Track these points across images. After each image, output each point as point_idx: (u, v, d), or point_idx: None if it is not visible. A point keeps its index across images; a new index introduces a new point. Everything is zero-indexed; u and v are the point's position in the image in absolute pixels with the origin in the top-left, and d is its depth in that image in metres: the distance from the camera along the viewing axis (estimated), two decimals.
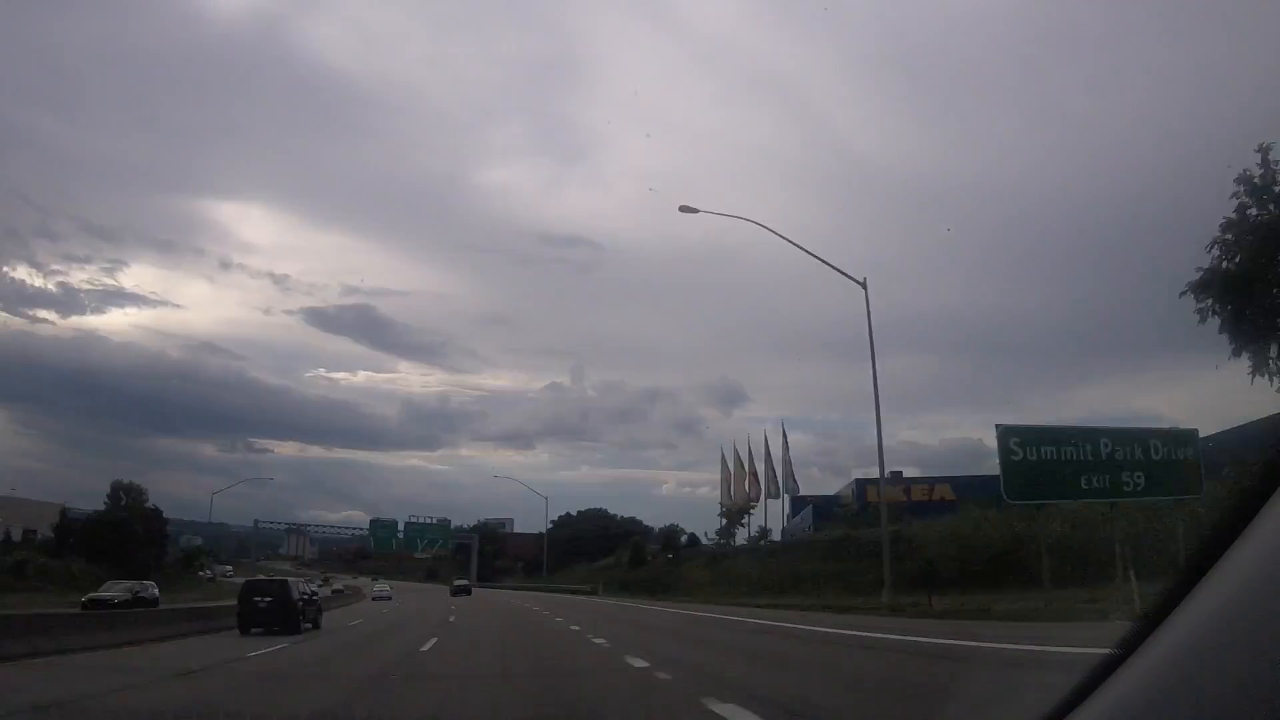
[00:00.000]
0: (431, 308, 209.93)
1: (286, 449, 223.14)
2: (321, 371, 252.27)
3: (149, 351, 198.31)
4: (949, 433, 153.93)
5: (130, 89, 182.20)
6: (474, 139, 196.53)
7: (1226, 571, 1.44)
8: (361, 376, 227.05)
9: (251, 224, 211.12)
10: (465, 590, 69.79)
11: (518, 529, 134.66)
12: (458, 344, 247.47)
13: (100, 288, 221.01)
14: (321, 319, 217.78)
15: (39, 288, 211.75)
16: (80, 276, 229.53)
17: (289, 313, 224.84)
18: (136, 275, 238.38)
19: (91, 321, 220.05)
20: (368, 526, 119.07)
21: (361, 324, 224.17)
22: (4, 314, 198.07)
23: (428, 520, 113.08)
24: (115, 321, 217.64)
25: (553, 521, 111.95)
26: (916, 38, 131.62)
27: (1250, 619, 1.36)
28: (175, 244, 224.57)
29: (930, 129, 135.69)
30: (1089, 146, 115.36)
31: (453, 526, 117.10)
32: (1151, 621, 1.53)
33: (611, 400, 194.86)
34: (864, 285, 30.61)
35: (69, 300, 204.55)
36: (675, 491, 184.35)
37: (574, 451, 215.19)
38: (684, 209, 32.51)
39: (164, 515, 71.97)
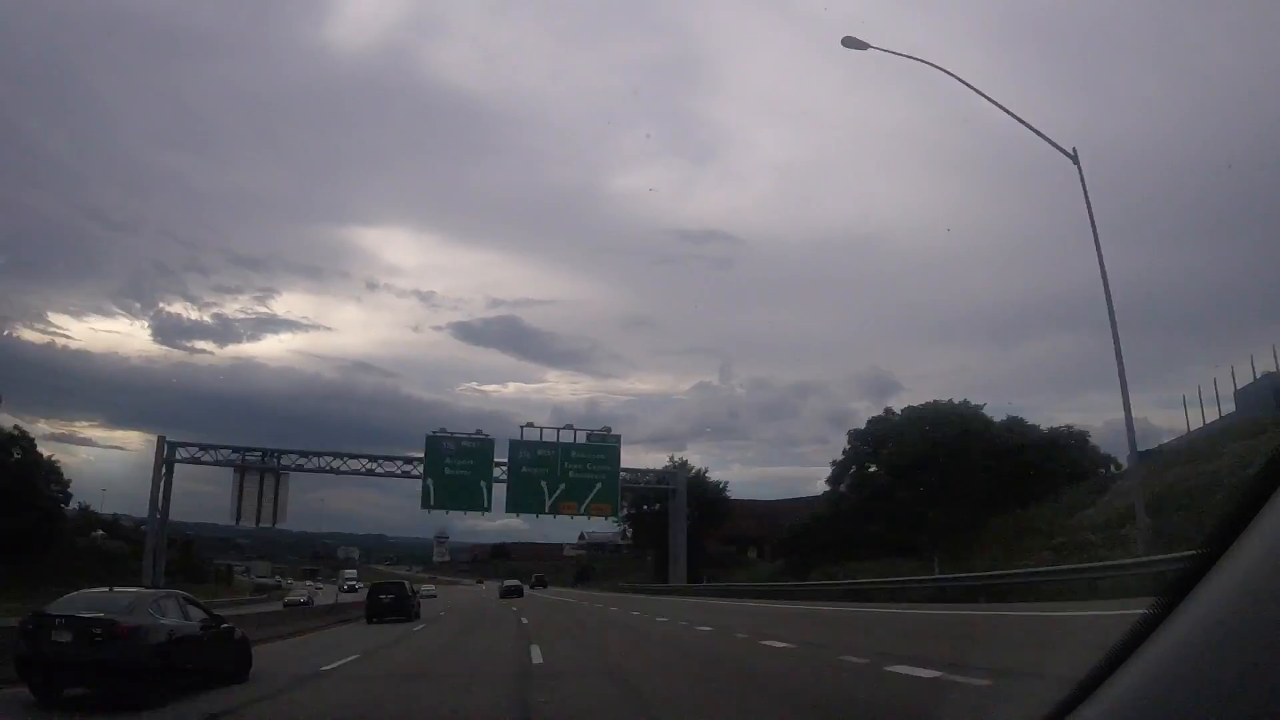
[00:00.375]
0: (575, 315, 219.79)
1: None
2: (472, 385, 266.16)
3: (305, 374, 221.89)
4: (1111, 414, 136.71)
5: (266, 127, 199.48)
6: (604, 146, 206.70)
7: (1228, 570, 1.43)
8: (511, 387, 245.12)
9: (395, 247, 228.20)
10: (516, 591, 60.00)
11: None
12: (603, 349, 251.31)
13: (253, 316, 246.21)
14: (468, 333, 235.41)
15: (195, 320, 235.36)
16: (233, 306, 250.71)
17: (437, 329, 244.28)
18: (287, 302, 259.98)
19: (248, 349, 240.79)
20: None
21: (508, 335, 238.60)
22: (165, 347, 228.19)
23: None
24: (271, 348, 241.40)
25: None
26: (1045, 1, 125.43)
27: (1252, 617, 1.34)
28: (322, 269, 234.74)
29: (1065, 95, 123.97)
30: (1236, 100, 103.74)
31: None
32: (1154, 620, 1.51)
33: (760, 397, 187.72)
34: (1074, 157, 23.14)
35: (225, 330, 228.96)
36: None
37: (723, 451, 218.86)
38: (848, 42, 23.64)
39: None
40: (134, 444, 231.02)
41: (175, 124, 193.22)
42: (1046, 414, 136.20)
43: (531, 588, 77.84)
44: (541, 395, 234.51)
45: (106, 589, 12.42)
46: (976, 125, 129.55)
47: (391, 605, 31.84)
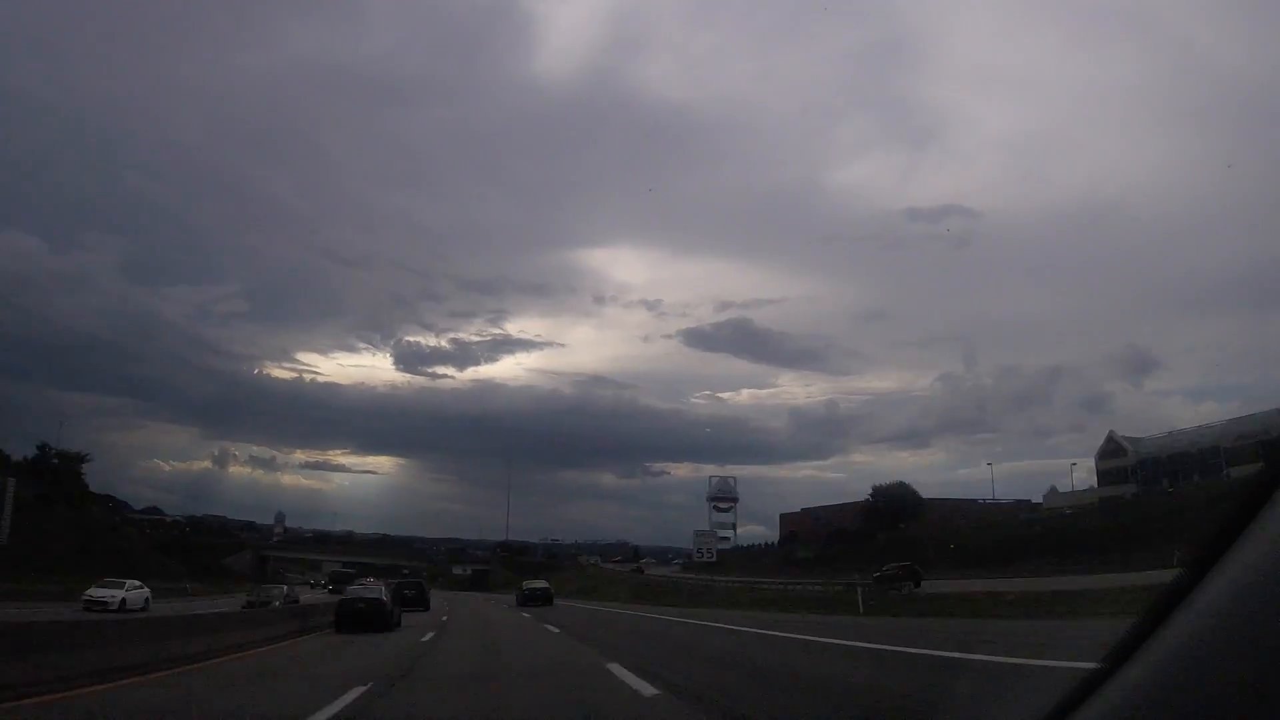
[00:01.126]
0: (806, 312, 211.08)
1: (681, 470, 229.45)
2: (707, 391, 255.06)
3: (543, 391, 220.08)
4: None
5: (486, 160, 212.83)
6: (820, 141, 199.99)
7: (1227, 571, 1.43)
8: (745, 393, 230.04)
9: (621, 265, 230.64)
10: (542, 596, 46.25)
11: None
12: (838, 346, 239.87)
13: (488, 338, 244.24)
14: (699, 339, 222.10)
15: (434, 346, 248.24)
16: (468, 330, 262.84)
17: (667, 337, 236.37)
18: (519, 323, 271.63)
19: (487, 370, 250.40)
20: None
21: (738, 338, 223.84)
22: (407, 374, 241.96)
23: None
24: (508, 368, 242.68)
25: None
26: None
27: (1253, 617, 1.34)
28: (550, 286, 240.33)
29: None
30: None
31: None
32: (1152, 621, 1.51)
33: (1009, 385, 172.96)
34: None
35: (463, 354, 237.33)
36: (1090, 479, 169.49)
37: (970, 447, 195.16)
38: None
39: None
40: (384, 467, 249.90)
41: (397, 166, 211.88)
42: None
43: None
44: (776, 398, 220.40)
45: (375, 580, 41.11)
46: (1211, 75, 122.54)
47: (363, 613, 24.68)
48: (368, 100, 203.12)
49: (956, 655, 10.62)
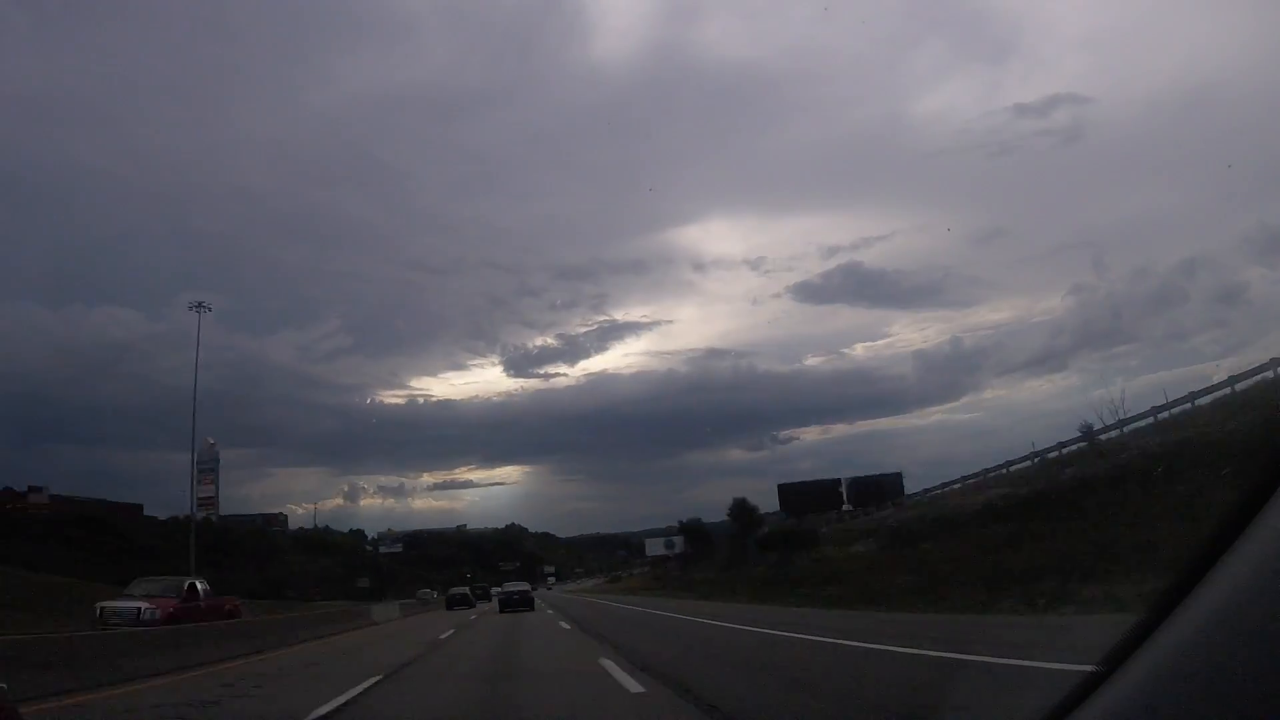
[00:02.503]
0: (920, 245, 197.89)
1: (810, 433, 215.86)
2: (825, 347, 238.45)
3: (658, 374, 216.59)
4: None
5: (557, 154, 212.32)
6: (898, 73, 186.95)
7: (1227, 571, 1.43)
8: (862, 345, 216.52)
9: (715, 237, 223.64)
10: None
11: None
12: (957, 274, 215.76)
13: (594, 326, 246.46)
14: (810, 292, 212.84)
15: (541, 345, 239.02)
16: (573, 322, 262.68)
17: (776, 296, 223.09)
18: (624, 307, 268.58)
19: (598, 362, 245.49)
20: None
21: (851, 285, 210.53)
22: (519, 379, 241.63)
23: None
24: (620, 356, 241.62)
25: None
26: None
27: (1251, 618, 1.35)
28: (647, 263, 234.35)
29: None
30: None
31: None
32: (1152, 621, 1.51)
33: (1143, 287, 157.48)
34: None
35: (571, 348, 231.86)
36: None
37: (1105, 363, 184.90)
38: None
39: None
40: (512, 477, 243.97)
41: (470, 174, 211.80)
42: None
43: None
44: (897, 346, 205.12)
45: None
46: None
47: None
48: (430, 117, 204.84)
49: None
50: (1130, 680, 1.50)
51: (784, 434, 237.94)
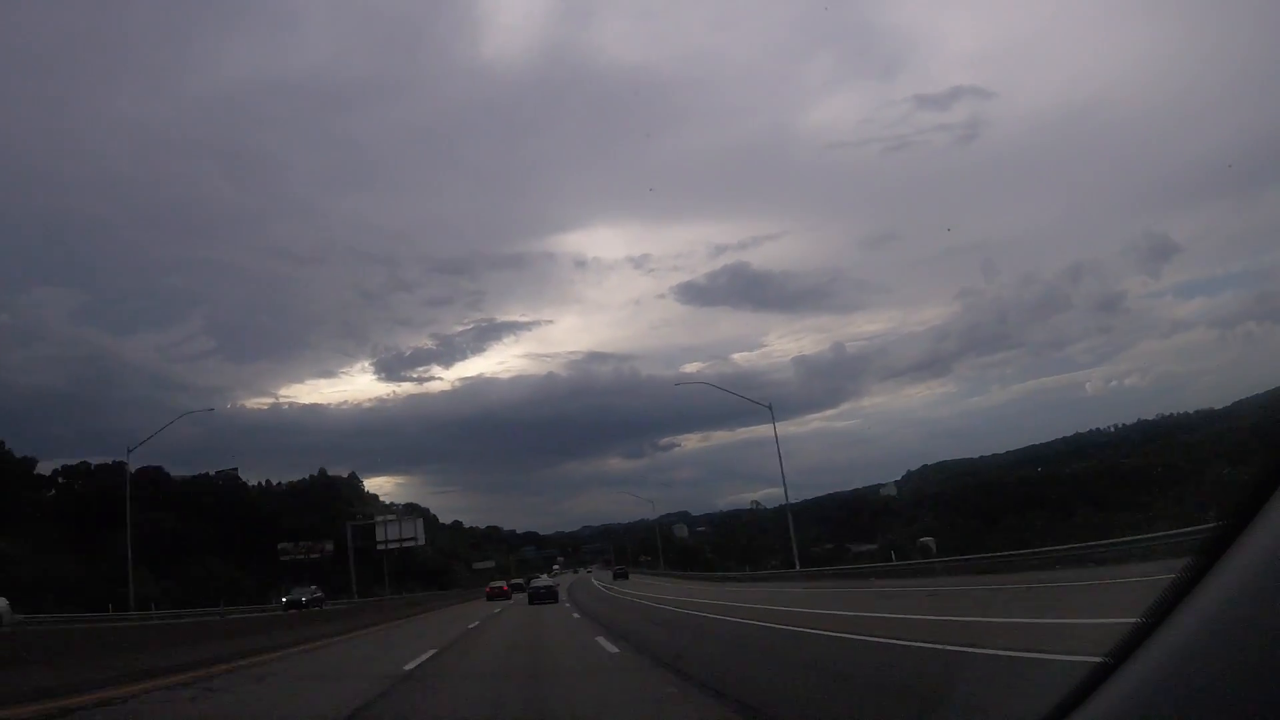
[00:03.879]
0: (809, 248, 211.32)
1: (691, 440, 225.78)
2: (709, 351, 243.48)
3: (537, 378, 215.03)
4: None
5: (438, 149, 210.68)
6: (790, 83, 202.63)
7: (1227, 571, 1.43)
8: (750, 347, 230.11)
9: (601, 240, 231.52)
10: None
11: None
12: (847, 277, 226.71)
13: (471, 325, 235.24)
14: (695, 294, 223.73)
15: (416, 346, 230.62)
16: (449, 320, 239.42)
17: (660, 297, 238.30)
18: (502, 305, 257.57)
19: (475, 365, 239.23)
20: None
21: (738, 286, 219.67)
22: (392, 384, 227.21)
23: None
24: (498, 359, 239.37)
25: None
26: None
27: (1251, 618, 1.34)
28: (527, 257, 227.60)
29: None
30: None
31: None
32: (1153, 621, 1.51)
33: (1030, 292, 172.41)
34: None
35: (447, 348, 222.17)
36: (1102, 389, 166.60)
37: (984, 370, 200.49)
38: None
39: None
40: (384, 489, 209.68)
41: (347, 165, 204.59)
42: None
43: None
44: (783, 345, 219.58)
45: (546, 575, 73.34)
46: None
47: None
48: (312, 107, 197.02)
49: None
50: (1140, 671, 1.50)
51: (664, 441, 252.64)
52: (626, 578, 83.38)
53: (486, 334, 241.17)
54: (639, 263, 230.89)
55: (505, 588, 62.37)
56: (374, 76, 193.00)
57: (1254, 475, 1.49)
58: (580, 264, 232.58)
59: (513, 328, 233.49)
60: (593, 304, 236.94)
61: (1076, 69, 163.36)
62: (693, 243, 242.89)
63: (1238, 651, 1.35)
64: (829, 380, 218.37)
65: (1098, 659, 1.63)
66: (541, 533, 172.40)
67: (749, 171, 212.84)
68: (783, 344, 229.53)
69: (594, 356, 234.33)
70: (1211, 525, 1.55)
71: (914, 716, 6.26)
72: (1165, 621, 1.49)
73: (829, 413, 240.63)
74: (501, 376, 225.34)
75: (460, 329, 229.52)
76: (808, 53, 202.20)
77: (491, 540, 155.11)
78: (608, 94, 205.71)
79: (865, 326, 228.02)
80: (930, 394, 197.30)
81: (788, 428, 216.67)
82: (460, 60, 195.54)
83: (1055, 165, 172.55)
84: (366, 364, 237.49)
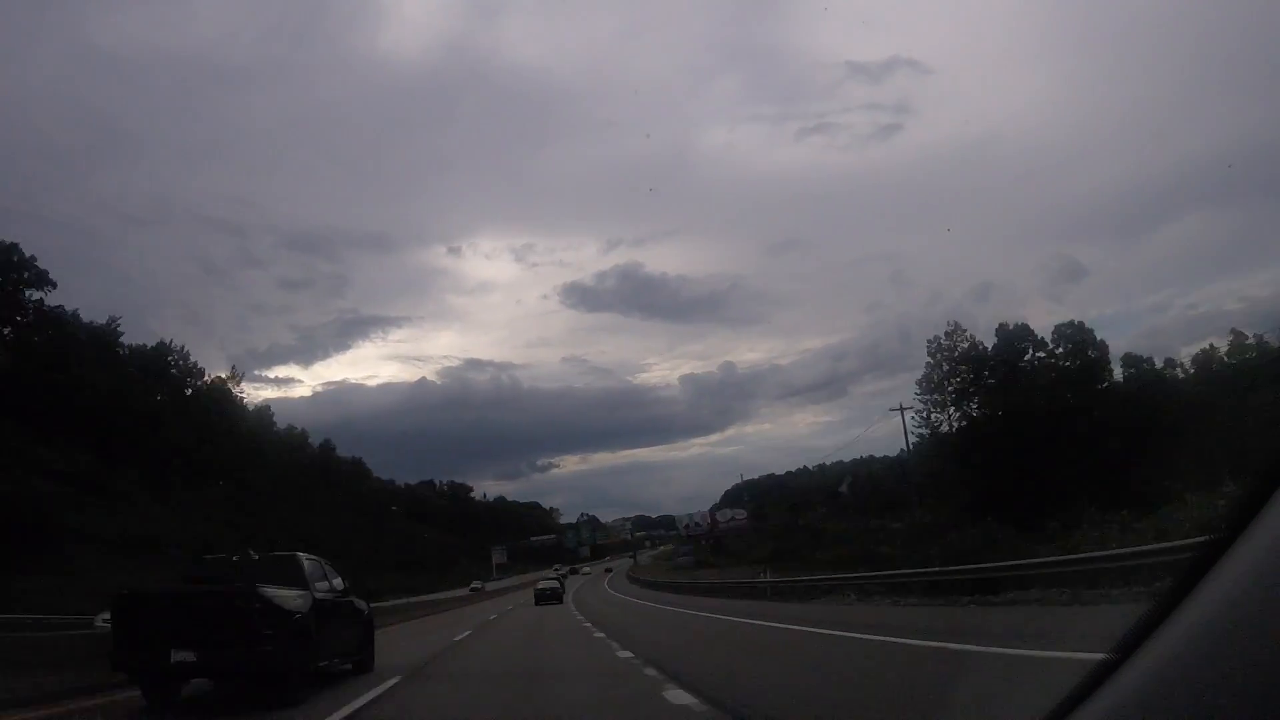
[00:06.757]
0: (705, 254, 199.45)
1: (570, 462, 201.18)
2: (596, 365, 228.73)
3: (407, 386, 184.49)
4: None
5: (326, 144, 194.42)
6: (694, 99, 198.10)
7: (1227, 572, 1.43)
8: (639, 359, 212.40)
9: (483, 244, 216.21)
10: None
11: None
12: (744, 286, 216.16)
13: (333, 316, 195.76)
14: (581, 296, 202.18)
15: (274, 343, 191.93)
16: (307, 305, 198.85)
17: (544, 298, 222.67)
18: (368, 296, 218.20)
19: (340, 368, 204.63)
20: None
21: (627, 291, 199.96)
22: (247, 385, 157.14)
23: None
24: (364, 361, 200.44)
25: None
26: None
27: (1251, 619, 1.35)
28: (392, 237, 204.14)
29: None
30: None
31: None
32: (1152, 622, 1.52)
33: (936, 310, 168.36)
34: None
35: (308, 344, 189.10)
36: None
37: (871, 400, 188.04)
38: None
39: None
40: None
41: (214, 146, 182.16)
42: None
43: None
44: (672, 361, 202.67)
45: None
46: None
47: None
48: (190, 87, 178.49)
49: None
50: (1143, 667, 1.49)
51: (543, 461, 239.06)
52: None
53: (351, 328, 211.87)
54: (520, 255, 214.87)
55: None
56: (259, 60, 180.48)
57: (1267, 462, 1.47)
58: (456, 256, 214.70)
59: (380, 322, 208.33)
60: (472, 306, 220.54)
61: (970, 110, 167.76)
62: (581, 248, 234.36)
63: (1242, 651, 1.32)
64: (721, 399, 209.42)
65: (1101, 656, 1.61)
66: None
67: (648, 182, 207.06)
68: (672, 359, 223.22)
69: (472, 364, 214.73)
70: (1215, 523, 1.42)
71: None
72: (1175, 612, 1.47)
73: (714, 438, 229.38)
74: (368, 384, 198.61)
75: (322, 321, 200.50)
76: (714, 72, 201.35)
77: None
78: (505, 96, 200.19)
79: (761, 342, 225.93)
80: (816, 423, 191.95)
81: (669, 452, 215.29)
82: (355, 50, 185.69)
83: (963, 182, 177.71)
84: (216, 358, 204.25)
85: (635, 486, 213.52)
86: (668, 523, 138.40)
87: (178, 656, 8.64)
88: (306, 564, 11.23)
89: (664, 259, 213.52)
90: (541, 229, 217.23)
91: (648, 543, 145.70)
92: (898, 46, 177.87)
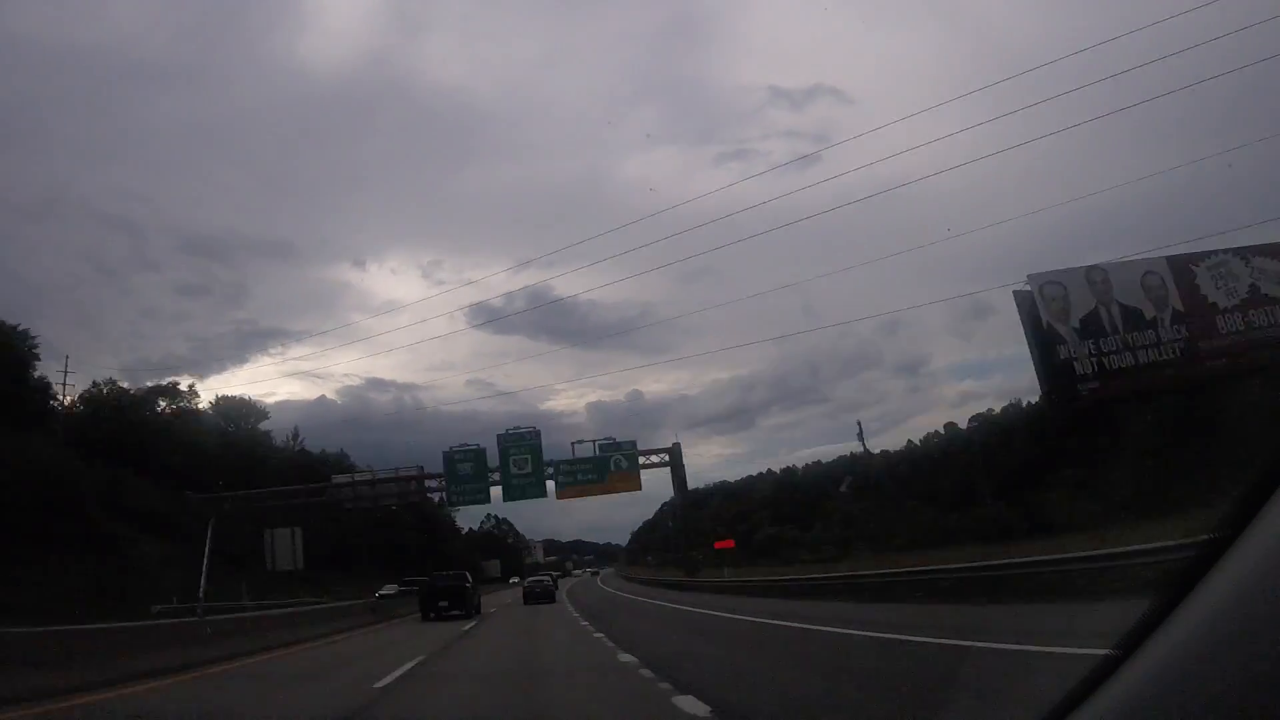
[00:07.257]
0: (615, 281, 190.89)
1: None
2: (500, 388, 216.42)
3: (305, 403, 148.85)
4: None
5: (221, 145, 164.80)
6: (609, 132, 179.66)
7: (1227, 571, 1.44)
8: (546, 385, 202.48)
9: (390, 260, 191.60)
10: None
11: None
12: (654, 314, 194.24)
13: (231, 325, 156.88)
14: (488, 316, 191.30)
15: (168, 351, 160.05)
16: (203, 314, 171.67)
17: (450, 316, 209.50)
18: (268, 309, 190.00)
19: (237, 380, 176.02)
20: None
21: (536, 314, 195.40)
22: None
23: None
24: (261, 376, 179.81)
25: None
26: None
27: (1252, 617, 1.36)
28: (296, 247, 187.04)
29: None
30: None
31: None
32: (1152, 621, 1.53)
33: (848, 343, 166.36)
34: None
35: (202, 354, 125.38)
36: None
37: (776, 433, 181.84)
38: None
39: None
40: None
41: (111, 145, 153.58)
42: None
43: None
44: (584, 386, 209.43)
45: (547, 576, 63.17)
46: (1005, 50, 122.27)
47: None
48: (90, 84, 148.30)
49: None
50: (1146, 664, 1.51)
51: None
52: None
53: (248, 340, 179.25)
54: (428, 271, 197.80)
55: None
56: (173, 57, 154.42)
57: (1256, 472, 1.50)
58: (362, 271, 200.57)
59: (280, 335, 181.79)
60: (376, 325, 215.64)
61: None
62: (490, 265, 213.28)
63: (1242, 650, 1.35)
64: (625, 429, 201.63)
65: (1105, 651, 1.66)
66: None
67: (563, 206, 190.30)
68: (579, 386, 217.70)
69: (374, 383, 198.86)
70: (1215, 522, 1.55)
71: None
72: (1177, 610, 1.50)
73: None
74: (266, 401, 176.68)
75: (219, 331, 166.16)
76: (635, 97, 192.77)
77: None
78: (423, 113, 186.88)
79: (668, 372, 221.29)
80: (721, 455, 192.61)
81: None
82: (273, 57, 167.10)
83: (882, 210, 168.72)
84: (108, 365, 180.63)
85: (533, 517, 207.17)
86: (580, 547, 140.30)
87: (442, 603, 31.30)
88: (467, 575, 34.43)
89: (574, 284, 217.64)
90: (452, 248, 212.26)
91: (568, 564, 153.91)
92: (821, 74, 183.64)
